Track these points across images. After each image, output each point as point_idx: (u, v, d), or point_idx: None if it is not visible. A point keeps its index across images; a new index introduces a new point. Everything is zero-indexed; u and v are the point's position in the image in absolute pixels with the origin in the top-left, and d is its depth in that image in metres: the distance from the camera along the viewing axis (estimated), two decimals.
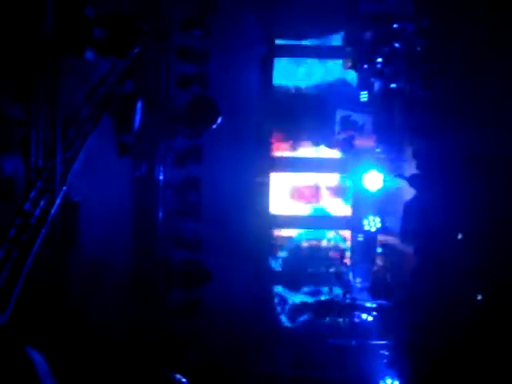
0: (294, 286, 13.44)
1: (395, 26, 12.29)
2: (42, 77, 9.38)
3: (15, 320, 8.43)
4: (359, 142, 13.29)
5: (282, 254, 13.70)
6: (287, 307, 13.42)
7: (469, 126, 11.73)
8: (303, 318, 13.28)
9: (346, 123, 13.09)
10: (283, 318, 13.38)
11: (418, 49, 12.17)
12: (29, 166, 9.31)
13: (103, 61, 10.44)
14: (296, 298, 13.40)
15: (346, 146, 13.31)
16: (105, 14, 10.14)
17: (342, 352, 12.49)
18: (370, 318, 12.67)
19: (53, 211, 9.47)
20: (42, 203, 9.32)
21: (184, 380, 8.29)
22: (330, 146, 13.50)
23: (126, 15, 10.33)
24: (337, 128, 13.23)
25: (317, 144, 13.57)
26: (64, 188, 9.72)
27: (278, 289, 13.49)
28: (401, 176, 12.62)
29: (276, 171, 13.66)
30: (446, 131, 11.84)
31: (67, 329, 10.13)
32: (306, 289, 13.39)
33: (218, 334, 12.07)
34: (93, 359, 10.53)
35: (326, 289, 13.17)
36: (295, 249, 13.73)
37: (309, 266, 13.55)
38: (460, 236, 11.85)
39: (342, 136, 13.22)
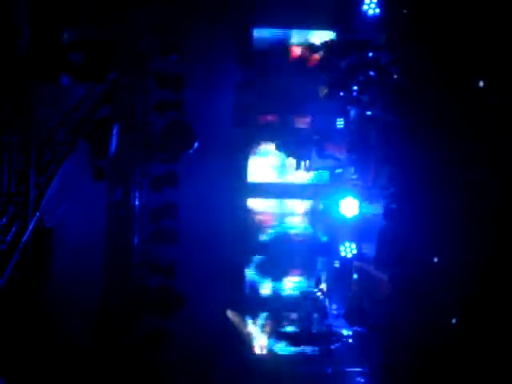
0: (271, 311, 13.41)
1: (370, 54, 12.46)
2: (17, 101, 9.33)
3: None
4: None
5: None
6: (263, 333, 13.35)
7: (442, 152, 11.90)
8: (279, 345, 13.20)
9: (323, 153, 13.17)
10: (259, 345, 13.29)
11: (395, 76, 12.33)
12: (1, 191, 9.21)
13: (79, 85, 10.43)
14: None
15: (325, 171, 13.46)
16: (81, 39, 10.16)
17: (317, 380, 12.42)
18: (346, 345, 12.64)
19: (25, 237, 9.35)
20: (13, 229, 9.21)
21: None
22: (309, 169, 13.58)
23: (103, 40, 10.35)
24: (313, 155, 13.31)
25: (298, 167, 13.63)
26: (37, 214, 9.62)
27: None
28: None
29: (252, 197, 13.69)
30: (419, 158, 11.98)
31: (39, 355, 9.98)
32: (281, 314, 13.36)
33: (192, 361, 11.94)
34: None
35: (301, 315, 13.13)
36: None
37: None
38: (436, 259, 11.91)
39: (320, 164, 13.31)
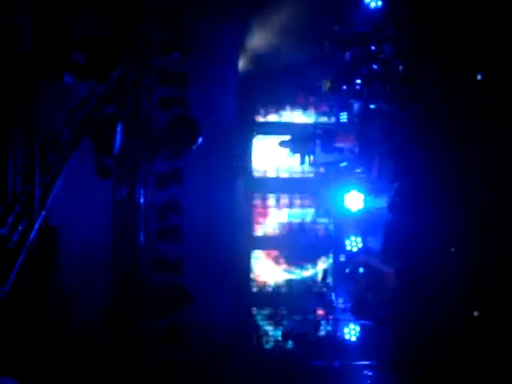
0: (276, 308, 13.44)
1: (372, 47, 12.43)
2: (20, 101, 9.35)
3: None
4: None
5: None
6: (269, 329, 13.39)
7: (447, 144, 11.88)
8: (286, 339, 13.23)
9: (327, 147, 13.15)
10: (265, 341, 13.33)
11: (400, 68, 12.29)
12: (6, 191, 9.23)
13: (83, 84, 10.44)
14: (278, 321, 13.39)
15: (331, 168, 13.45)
16: (84, 38, 10.17)
17: (325, 374, 12.45)
18: (353, 339, 12.66)
19: (31, 236, 9.39)
20: (20, 228, 9.25)
21: None
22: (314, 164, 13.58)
23: (106, 38, 10.35)
24: (317, 150, 13.30)
25: (302, 162, 13.63)
26: (43, 212, 9.65)
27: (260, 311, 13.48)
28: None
29: (257, 192, 13.71)
30: (424, 150, 11.96)
31: (46, 355, 10.02)
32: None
33: (199, 358, 11.98)
34: None
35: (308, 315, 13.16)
36: None
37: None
38: (453, 249, 11.88)
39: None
